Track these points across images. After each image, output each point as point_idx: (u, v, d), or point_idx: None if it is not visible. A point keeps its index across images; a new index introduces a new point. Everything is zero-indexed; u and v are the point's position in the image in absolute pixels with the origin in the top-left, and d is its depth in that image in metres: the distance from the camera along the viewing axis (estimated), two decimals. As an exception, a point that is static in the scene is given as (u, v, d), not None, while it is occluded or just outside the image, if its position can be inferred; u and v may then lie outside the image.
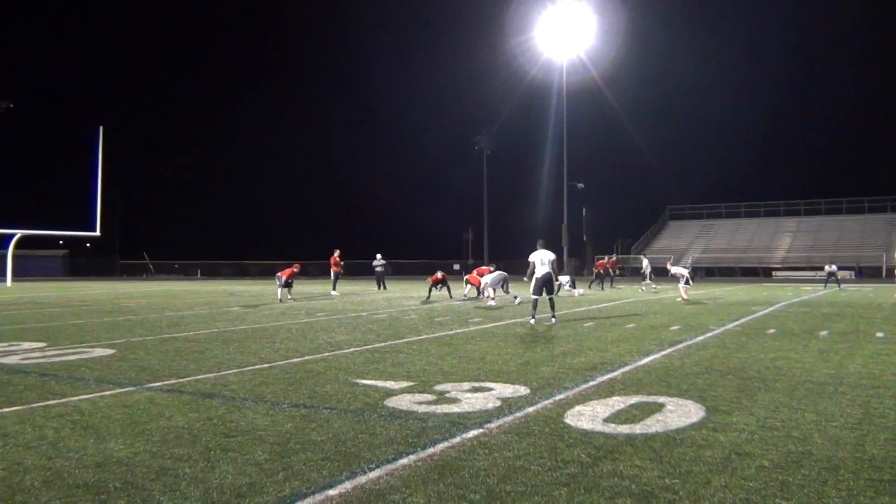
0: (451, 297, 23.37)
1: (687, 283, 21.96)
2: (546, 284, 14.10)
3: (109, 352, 10.09)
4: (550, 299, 14.39)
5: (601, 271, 32.57)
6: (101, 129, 44.27)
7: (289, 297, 22.80)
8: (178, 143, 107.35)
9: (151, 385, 7.35)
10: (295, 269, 22.90)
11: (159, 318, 16.11)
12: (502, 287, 20.62)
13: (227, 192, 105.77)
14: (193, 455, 4.69)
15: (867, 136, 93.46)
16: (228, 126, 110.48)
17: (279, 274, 22.77)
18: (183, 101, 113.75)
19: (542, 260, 14.13)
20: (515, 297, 20.45)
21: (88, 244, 74.83)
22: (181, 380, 7.67)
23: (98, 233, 46.41)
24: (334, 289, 27.50)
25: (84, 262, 74.95)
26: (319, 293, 28.06)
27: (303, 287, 32.84)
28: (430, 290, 23.50)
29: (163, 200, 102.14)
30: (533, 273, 14.21)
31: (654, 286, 29.29)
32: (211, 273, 72.59)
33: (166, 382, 7.51)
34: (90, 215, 45.04)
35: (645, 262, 31.66)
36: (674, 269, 22.55)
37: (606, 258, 36.45)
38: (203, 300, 24.16)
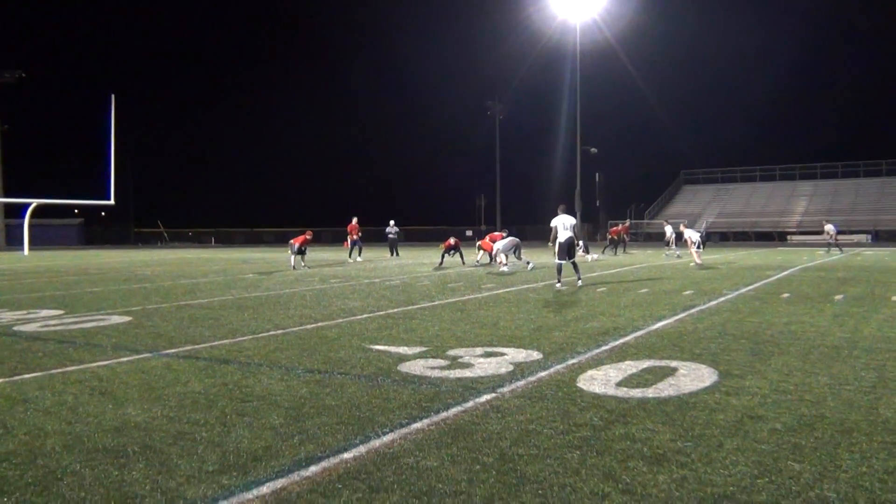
0: (463, 263, 23.39)
1: (699, 247, 21.84)
2: (570, 249, 14.26)
3: (126, 319, 10.20)
4: (574, 263, 14.48)
5: (615, 237, 32.48)
6: (112, 96, 44.22)
7: (302, 264, 22.89)
8: (192, 110, 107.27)
9: (168, 351, 7.44)
10: (307, 237, 22.97)
11: (174, 286, 16.24)
12: (514, 253, 20.61)
13: (240, 159, 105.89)
14: (210, 420, 4.75)
15: (885, 98, 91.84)
16: (242, 93, 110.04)
17: (292, 241, 22.85)
18: (196, 68, 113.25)
19: (563, 224, 14.29)
20: (528, 263, 20.45)
21: (103, 213, 75.17)
22: (197, 346, 7.75)
23: (112, 201, 46.61)
24: (350, 256, 27.55)
25: (99, 231, 75.54)
26: (333, 260, 28.17)
27: (316, 254, 32.97)
28: (442, 257, 23.54)
29: (176, 168, 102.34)
30: (556, 238, 14.33)
31: (676, 252, 28.98)
32: (225, 240, 73.02)
33: (182, 349, 7.60)
34: (104, 184, 45.21)
35: (668, 229, 30.82)
36: (687, 233, 22.42)
37: (620, 224, 36.26)
38: (217, 267, 24.32)
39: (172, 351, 7.47)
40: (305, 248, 22.90)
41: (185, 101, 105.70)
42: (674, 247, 29.73)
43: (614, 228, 34.47)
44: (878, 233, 50.12)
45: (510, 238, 20.89)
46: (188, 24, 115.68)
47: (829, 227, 32.11)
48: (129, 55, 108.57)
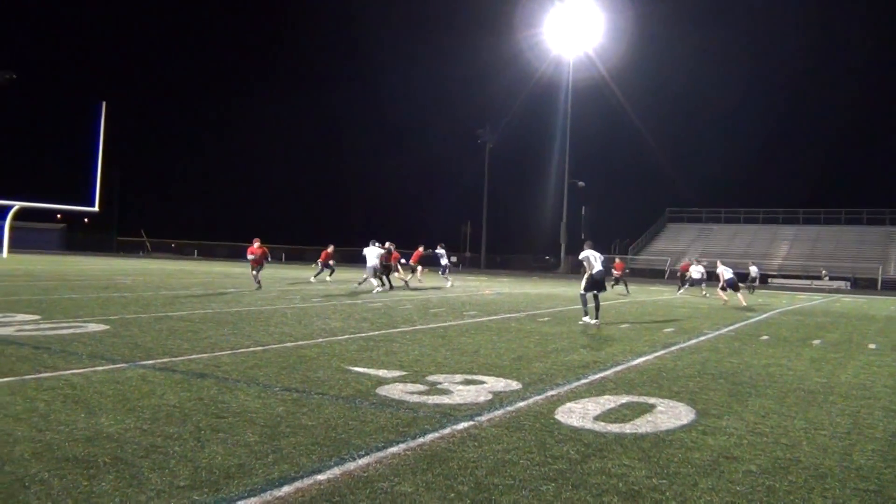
0: (450, 284, 23.39)
1: (734, 288, 21.19)
2: (599, 283, 13.78)
3: (103, 327, 10.08)
4: (596, 297, 13.81)
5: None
6: (103, 104, 44.18)
7: (327, 278, 22.86)
8: (182, 122, 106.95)
9: (144, 363, 7.36)
10: (329, 251, 24.95)
11: (154, 296, 16.10)
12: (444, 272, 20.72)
13: (227, 174, 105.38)
14: (183, 434, 4.69)
15: (868, 149, 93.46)
16: (234, 109, 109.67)
17: (320, 259, 25.16)
18: (189, 81, 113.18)
19: (595, 257, 13.58)
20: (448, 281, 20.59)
21: (86, 219, 74.58)
22: (174, 359, 7.67)
23: (96, 208, 46.34)
24: (315, 277, 27.39)
25: (81, 237, 74.75)
26: (303, 279, 28.05)
27: (298, 272, 32.79)
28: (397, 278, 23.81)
29: (162, 179, 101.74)
30: (591, 268, 13.53)
31: (704, 292, 27.98)
32: (207, 254, 72.51)
33: (159, 360, 7.52)
34: (89, 190, 45.02)
35: (754, 269, 31.42)
36: (720, 270, 21.75)
37: (618, 258, 36.14)
38: (198, 280, 24.14)
39: (149, 362, 7.39)
40: (332, 265, 24.78)
41: (175, 113, 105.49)
42: (702, 286, 27.90)
43: (619, 263, 34.19)
44: (857, 280, 50.66)
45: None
46: (183, 36, 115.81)
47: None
48: (120, 63, 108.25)
